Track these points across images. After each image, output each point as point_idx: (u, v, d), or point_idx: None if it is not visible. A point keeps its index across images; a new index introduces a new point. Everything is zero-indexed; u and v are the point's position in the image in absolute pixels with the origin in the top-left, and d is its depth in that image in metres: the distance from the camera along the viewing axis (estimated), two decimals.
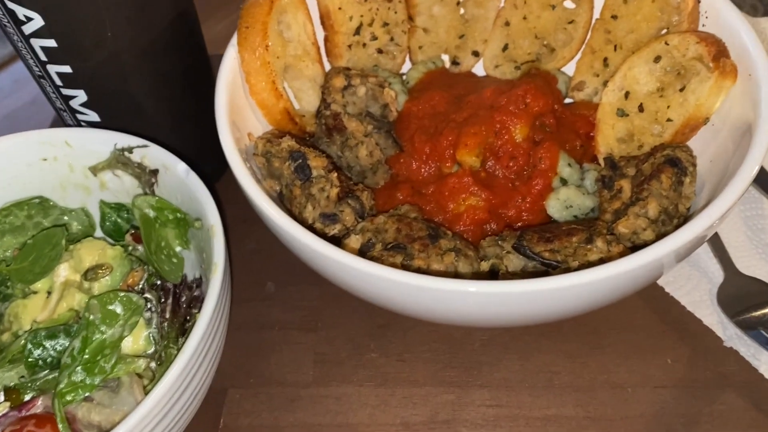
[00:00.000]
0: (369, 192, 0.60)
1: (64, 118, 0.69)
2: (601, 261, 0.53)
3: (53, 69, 0.62)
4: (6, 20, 0.59)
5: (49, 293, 0.61)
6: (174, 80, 0.67)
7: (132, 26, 0.61)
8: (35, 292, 0.61)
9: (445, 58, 0.75)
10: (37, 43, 0.60)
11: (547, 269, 0.53)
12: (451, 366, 0.64)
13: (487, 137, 0.61)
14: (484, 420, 0.61)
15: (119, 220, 0.65)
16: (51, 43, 0.60)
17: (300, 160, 0.57)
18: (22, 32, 0.60)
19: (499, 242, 0.55)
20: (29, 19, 0.58)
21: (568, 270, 0.52)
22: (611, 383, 0.62)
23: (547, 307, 0.48)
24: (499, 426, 0.60)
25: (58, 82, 0.64)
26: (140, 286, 0.60)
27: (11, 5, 0.57)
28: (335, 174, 0.57)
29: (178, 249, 0.62)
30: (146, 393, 0.52)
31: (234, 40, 0.62)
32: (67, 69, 0.62)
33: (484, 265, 0.55)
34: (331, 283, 0.69)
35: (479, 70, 0.75)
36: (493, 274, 0.55)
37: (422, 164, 0.63)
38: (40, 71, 0.63)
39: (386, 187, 0.64)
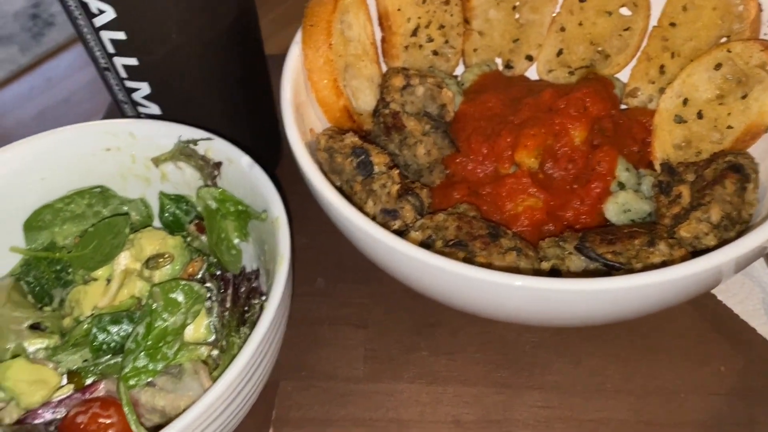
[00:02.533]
0: (427, 190, 0.61)
1: (124, 110, 0.70)
2: (664, 264, 0.53)
3: (120, 61, 0.64)
4: (78, 12, 0.61)
5: (108, 281, 0.62)
6: (233, 75, 0.68)
7: (197, 21, 0.62)
8: (95, 279, 0.62)
9: (498, 61, 0.76)
10: (106, 35, 0.61)
11: (610, 271, 0.53)
12: (503, 367, 0.64)
13: (546, 139, 0.61)
14: (535, 421, 0.61)
15: (178, 212, 0.66)
16: (120, 35, 0.61)
17: (363, 157, 0.58)
18: (92, 24, 0.61)
19: (560, 243, 0.56)
20: (101, 12, 0.59)
21: (631, 272, 0.52)
22: (663, 389, 0.62)
23: (612, 307, 0.48)
24: (551, 427, 0.60)
25: (123, 75, 0.65)
26: (199, 275, 0.61)
27: None
28: (396, 171, 0.58)
29: (236, 241, 0.63)
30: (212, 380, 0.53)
31: (298, 37, 0.63)
32: (133, 61, 0.63)
33: (545, 265, 0.55)
34: (379, 281, 0.71)
35: (532, 74, 0.76)
36: (553, 275, 0.55)
37: (479, 164, 0.63)
38: (106, 63, 0.65)
39: (442, 186, 0.65)
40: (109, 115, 0.90)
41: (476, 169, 0.63)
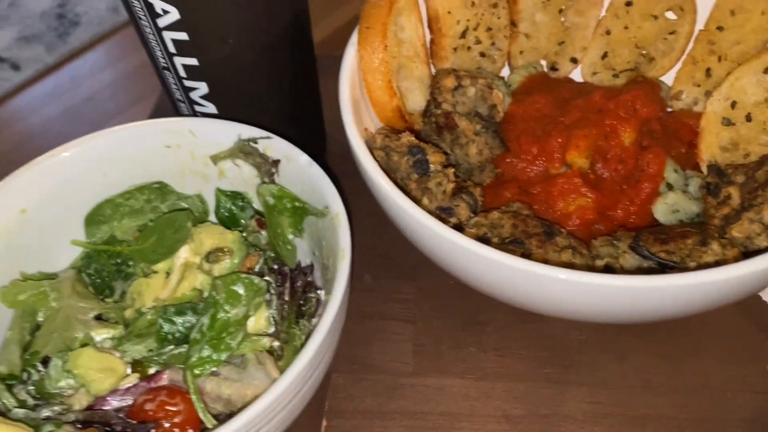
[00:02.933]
0: (480, 188, 0.62)
1: (180, 108, 0.72)
2: (717, 263, 0.54)
3: (180, 61, 0.66)
4: (142, 13, 0.63)
5: (168, 273, 0.64)
6: (287, 75, 0.70)
7: (256, 23, 0.64)
8: (155, 272, 0.64)
9: (543, 63, 0.77)
10: (169, 35, 0.63)
11: (664, 269, 0.55)
12: (550, 363, 0.65)
13: (597, 140, 0.63)
14: (583, 416, 0.62)
15: (233, 208, 0.68)
16: (183, 36, 0.63)
17: (419, 155, 0.59)
18: (156, 25, 0.63)
19: (614, 242, 0.57)
20: (166, 12, 0.61)
21: (686, 270, 0.53)
22: (709, 387, 0.63)
23: (670, 303, 0.50)
24: (599, 423, 0.61)
25: (182, 74, 0.67)
26: (257, 269, 0.63)
27: None
28: (452, 170, 0.60)
29: (290, 237, 0.65)
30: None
31: (354, 39, 0.65)
32: (193, 62, 0.65)
33: (599, 263, 0.57)
34: (426, 278, 0.72)
35: (576, 76, 0.77)
36: (607, 273, 0.57)
37: (529, 164, 0.65)
38: (166, 63, 0.67)
39: (492, 185, 0.66)
40: (156, 113, 0.92)
41: (526, 169, 0.65)
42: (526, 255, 0.55)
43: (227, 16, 0.62)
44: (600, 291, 0.47)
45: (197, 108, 0.70)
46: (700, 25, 0.71)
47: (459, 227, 0.59)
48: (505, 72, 0.78)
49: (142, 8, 0.62)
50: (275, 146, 0.63)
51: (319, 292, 0.63)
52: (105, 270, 0.65)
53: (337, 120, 0.82)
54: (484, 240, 0.57)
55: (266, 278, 0.60)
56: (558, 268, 0.46)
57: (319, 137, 0.83)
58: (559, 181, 0.62)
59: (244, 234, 0.66)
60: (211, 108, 0.70)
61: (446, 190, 0.59)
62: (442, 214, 0.59)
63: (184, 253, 0.63)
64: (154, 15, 0.62)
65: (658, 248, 0.55)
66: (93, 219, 0.67)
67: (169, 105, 0.74)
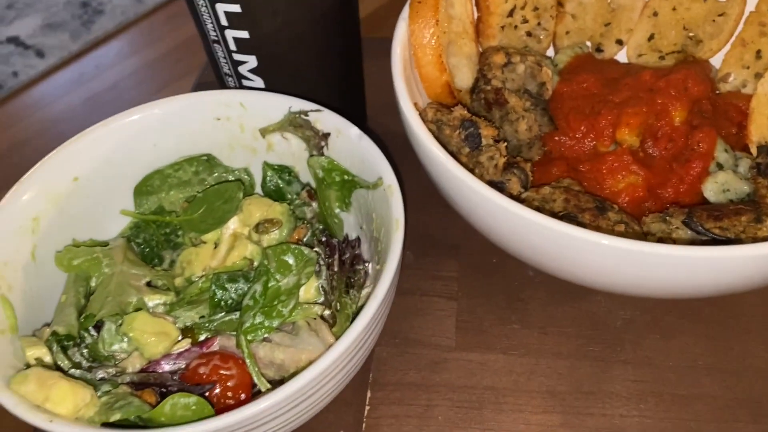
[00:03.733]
0: (530, 164, 0.62)
1: (227, 82, 0.73)
2: None
3: (231, 34, 0.66)
4: None
5: (216, 244, 0.64)
6: (335, 49, 0.71)
7: None
8: (204, 242, 0.65)
9: (587, 45, 0.77)
10: (222, 8, 0.64)
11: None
12: (594, 341, 0.65)
13: (647, 118, 0.62)
14: (628, 394, 0.62)
15: (280, 182, 0.68)
16: (236, 8, 0.63)
17: (471, 129, 0.59)
18: None
19: (667, 218, 0.57)
20: None
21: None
22: (755, 367, 0.63)
23: (730, 275, 0.49)
24: (645, 401, 0.61)
25: (233, 47, 0.67)
26: (305, 241, 0.64)
27: None
28: (504, 144, 0.60)
29: (337, 210, 0.66)
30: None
31: (405, 13, 0.65)
32: (244, 34, 0.66)
33: (651, 240, 0.57)
34: (468, 255, 0.72)
35: (621, 58, 0.77)
36: None
37: (578, 142, 0.65)
38: (217, 36, 0.67)
39: (540, 162, 0.66)
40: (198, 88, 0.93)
41: (575, 146, 0.65)
42: None
43: None
44: (657, 261, 0.47)
45: (245, 82, 0.71)
46: (750, 7, 0.70)
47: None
48: (550, 52, 0.77)
49: None
50: (325, 119, 0.63)
51: (366, 264, 0.63)
52: (154, 239, 0.66)
53: (376, 101, 0.83)
54: None
55: (315, 249, 0.60)
56: (627, 240, 0.46)
57: (361, 114, 0.83)
58: (608, 158, 0.62)
59: (291, 207, 0.67)
60: (259, 82, 0.70)
61: (498, 164, 0.59)
62: (495, 188, 0.59)
63: (232, 224, 0.64)
64: None
65: (712, 224, 0.55)
66: (142, 189, 0.67)
67: (211, 82, 0.75)
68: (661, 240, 0.57)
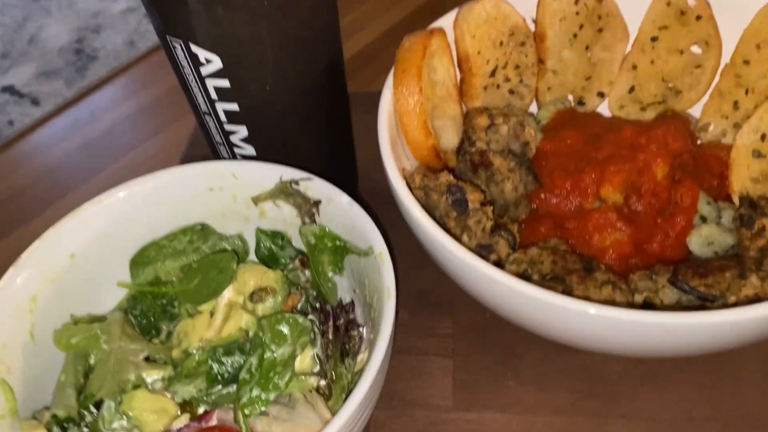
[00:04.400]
0: (517, 225, 0.63)
1: (219, 151, 0.74)
2: (756, 296, 0.55)
3: (221, 107, 0.68)
4: (186, 62, 0.65)
5: (211, 313, 0.65)
6: (323, 116, 0.72)
7: (293, 68, 0.66)
8: (200, 313, 0.66)
9: (570, 98, 0.79)
10: (211, 83, 0.66)
11: (703, 303, 0.55)
12: (590, 396, 0.66)
13: (630, 175, 0.64)
14: None
15: (273, 247, 0.69)
16: (225, 83, 0.65)
17: (458, 194, 0.61)
18: (199, 73, 0.65)
19: (653, 276, 0.58)
20: (209, 62, 0.64)
21: (725, 304, 0.54)
22: (750, 416, 0.63)
23: (713, 339, 0.50)
24: None
25: (223, 119, 0.69)
26: (298, 308, 0.64)
27: (195, 49, 0.63)
28: (490, 207, 0.61)
29: (330, 274, 0.67)
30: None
31: (389, 81, 0.67)
32: (234, 107, 0.67)
33: (638, 298, 0.58)
34: (462, 313, 0.73)
35: (603, 109, 0.79)
36: (647, 307, 0.58)
37: (563, 199, 0.66)
38: (208, 109, 0.69)
39: (528, 220, 0.67)
40: (188, 157, 0.94)
41: (560, 204, 0.66)
42: (567, 291, 0.56)
43: (265, 62, 0.64)
44: (644, 328, 0.48)
45: (236, 150, 0.72)
46: (725, 59, 0.72)
47: (499, 264, 0.61)
48: (533, 108, 0.79)
49: (186, 58, 0.65)
50: (316, 187, 0.64)
51: (360, 329, 0.64)
52: (151, 311, 0.67)
53: (367, 156, 0.84)
54: (524, 277, 0.58)
55: (310, 317, 0.61)
56: (613, 308, 0.47)
57: (352, 173, 0.85)
58: (594, 216, 0.64)
59: (285, 272, 0.68)
60: (250, 149, 0.72)
61: (485, 227, 0.60)
62: (482, 252, 0.60)
63: (227, 293, 0.65)
64: (197, 64, 0.64)
65: (698, 282, 0.56)
66: (137, 261, 0.68)
67: (201, 148, 0.76)
68: (648, 298, 0.58)
